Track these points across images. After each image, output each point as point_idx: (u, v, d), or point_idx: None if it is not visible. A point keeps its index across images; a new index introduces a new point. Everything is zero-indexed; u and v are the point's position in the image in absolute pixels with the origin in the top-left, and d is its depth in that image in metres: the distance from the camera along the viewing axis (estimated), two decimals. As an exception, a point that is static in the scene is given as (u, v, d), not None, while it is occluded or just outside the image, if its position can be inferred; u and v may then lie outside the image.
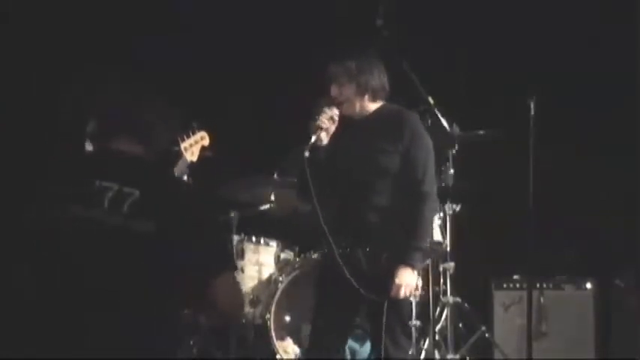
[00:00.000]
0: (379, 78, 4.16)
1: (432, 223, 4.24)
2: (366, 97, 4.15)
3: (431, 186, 4.12)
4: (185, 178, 5.09)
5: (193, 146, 5.14)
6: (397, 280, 4.03)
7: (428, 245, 4.19)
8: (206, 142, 5.26)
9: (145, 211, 2.79)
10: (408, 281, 4.05)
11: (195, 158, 5.15)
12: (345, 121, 4.17)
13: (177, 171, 5.03)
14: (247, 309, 5.45)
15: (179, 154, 5.04)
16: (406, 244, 4.07)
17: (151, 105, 2.98)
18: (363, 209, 4.09)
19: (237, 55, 6.31)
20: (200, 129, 5.16)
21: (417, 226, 4.09)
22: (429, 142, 4.15)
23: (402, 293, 4.04)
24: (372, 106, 4.19)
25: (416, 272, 4.10)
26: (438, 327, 5.59)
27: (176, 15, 6.22)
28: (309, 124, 4.12)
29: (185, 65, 6.09)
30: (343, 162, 4.13)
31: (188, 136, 5.16)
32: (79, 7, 5.98)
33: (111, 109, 2.97)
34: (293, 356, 5.34)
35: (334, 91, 4.16)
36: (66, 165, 2.94)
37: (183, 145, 5.13)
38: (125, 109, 2.96)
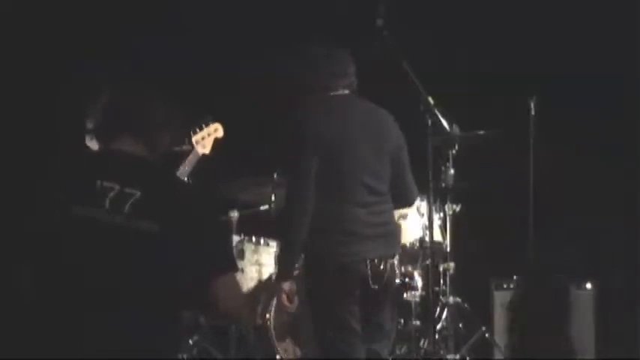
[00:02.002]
0: (315, 73, 4.05)
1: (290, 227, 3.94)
2: (307, 94, 4.08)
3: None
4: (185, 178, 5.08)
5: (206, 139, 5.09)
6: None
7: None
8: (220, 133, 5.20)
9: (146, 211, 2.79)
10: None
11: (207, 151, 5.10)
12: None
13: (187, 164, 4.98)
14: (247, 309, 5.44)
15: (191, 147, 5.00)
16: None
17: (152, 105, 2.98)
18: None
19: (237, 56, 6.31)
20: (213, 121, 5.11)
21: None
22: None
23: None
24: None
25: (279, 278, 3.97)
26: (438, 327, 5.59)
27: (177, 15, 6.22)
28: None
29: (186, 65, 6.09)
30: None
31: (201, 129, 5.11)
32: (79, 5, 5.97)
33: (112, 109, 2.97)
34: (293, 356, 5.34)
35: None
36: (67, 165, 2.93)
37: (194, 138, 5.08)
38: (127, 109, 2.95)
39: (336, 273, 3.90)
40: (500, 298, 6.00)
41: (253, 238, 5.69)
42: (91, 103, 3.04)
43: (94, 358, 2.71)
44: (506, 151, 5.66)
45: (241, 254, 5.57)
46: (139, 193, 2.80)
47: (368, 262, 3.93)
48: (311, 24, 6.24)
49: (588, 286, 5.95)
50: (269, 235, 5.75)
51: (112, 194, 2.79)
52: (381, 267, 3.94)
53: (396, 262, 4.04)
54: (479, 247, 6.10)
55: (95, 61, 5.78)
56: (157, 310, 2.78)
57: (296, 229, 3.86)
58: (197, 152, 5.05)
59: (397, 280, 4.10)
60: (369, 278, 3.91)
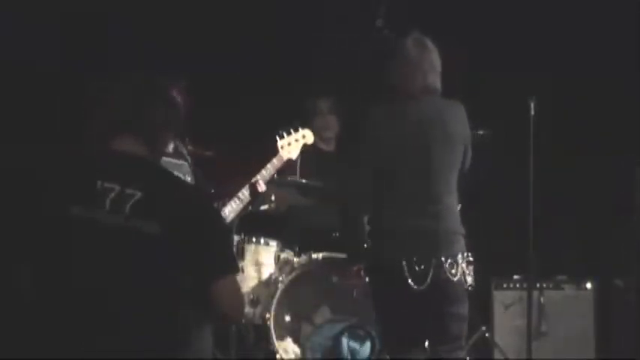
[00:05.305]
0: None
1: None
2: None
3: None
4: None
5: (292, 144, 5.20)
6: None
7: None
8: (309, 140, 5.33)
9: (147, 212, 2.78)
10: None
11: (293, 156, 5.24)
12: None
13: (270, 167, 5.07)
14: (247, 309, 5.45)
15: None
16: None
17: (152, 105, 2.97)
18: None
19: (238, 56, 6.31)
20: (303, 127, 5.23)
21: None
22: None
23: None
24: None
25: None
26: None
27: (179, 15, 6.22)
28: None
29: (186, 65, 6.09)
30: None
31: (289, 133, 5.22)
32: (80, 4, 5.97)
33: (113, 109, 2.97)
34: (293, 356, 5.34)
35: None
36: (67, 165, 2.93)
37: (280, 143, 5.20)
38: (127, 109, 2.95)
39: (378, 273, 4.01)
40: (500, 298, 6.00)
41: (253, 238, 5.69)
42: (91, 102, 3.04)
43: (93, 358, 2.71)
44: (506, 151, 5.66)
45: (241, 254, 5.58)
46: (139, 194, 2.80)
47: (406, 262, 3.91)
48: (311, 24, 6.25)
49: (588, 286, 5.95)
50: (269, 235, 5.75)
51: (112, 195, 2.79)
52: (421, 267, 3.91)
53: (446, 263, 4.00)
54: (479, 247, 6.09)
55: (97, 61, 5.79)
56: (157, 311, 2.78)
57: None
58: (281, 157, 5.19)
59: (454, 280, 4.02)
60: (408, 279, 3.89)
